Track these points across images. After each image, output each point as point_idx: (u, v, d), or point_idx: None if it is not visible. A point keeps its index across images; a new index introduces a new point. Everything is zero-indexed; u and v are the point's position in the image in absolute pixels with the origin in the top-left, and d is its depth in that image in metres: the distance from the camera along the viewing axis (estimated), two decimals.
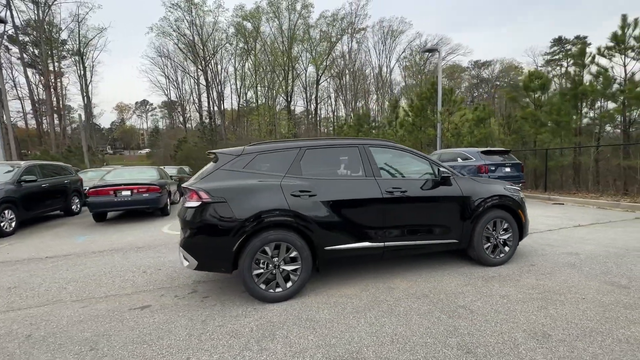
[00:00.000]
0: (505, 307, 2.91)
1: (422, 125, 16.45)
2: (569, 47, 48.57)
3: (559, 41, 48.22)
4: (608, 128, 10.67)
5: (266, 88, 48.25)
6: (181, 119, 55.15)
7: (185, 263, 3.17)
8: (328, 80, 53.11)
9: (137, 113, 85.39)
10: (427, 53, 52.75)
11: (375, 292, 3.33)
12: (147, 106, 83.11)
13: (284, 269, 3.19)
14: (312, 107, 51.83)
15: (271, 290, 3.14)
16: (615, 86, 9.79)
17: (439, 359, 2.21)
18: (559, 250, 4.55)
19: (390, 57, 53.29)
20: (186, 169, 20.47)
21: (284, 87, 47.35)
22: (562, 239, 5.11)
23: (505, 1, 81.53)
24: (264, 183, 3.22)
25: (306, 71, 50.37)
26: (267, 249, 3.12)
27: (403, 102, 17.56)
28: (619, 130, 10.57)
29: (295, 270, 3.21)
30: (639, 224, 6.22)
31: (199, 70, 48.22)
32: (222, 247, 3.05)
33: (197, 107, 51.61)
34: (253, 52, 48.42)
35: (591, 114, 10.80)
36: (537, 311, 2.81)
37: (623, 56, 9.25)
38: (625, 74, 9.31)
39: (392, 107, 19.29)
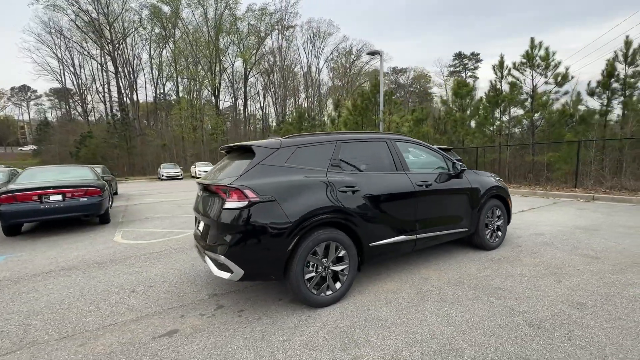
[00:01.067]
0: (531, 284, 3.28)
1: (365, 124, 17.37)
2: (466, 61, 57.37)
3: (459, 55, 56.39)
4: (518, 130, 12.98)
5: (188, 80, 44.37)
6: (80, 109, 46.72)
7: (225, 275, 2.70)
8: (256, 76, 51.71)
9: (14, 101, 69.30)
10: (352, 56, 56.02)
11: (414, 284, 3.38)
12: (29, 93, 68.16)
13: (332, 270, 2.99)
14: (241, 103, 49.80)
15: (322, 294, 2.92)
16: (523, 96, 11.97)
17: (520, 336, 2.37)
18: (526, 232, 5.34)
19: (319, 57, 54.68)
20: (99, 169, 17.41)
21: (209, 79, 44.26)
22: (521, 223, 6.02)
23: (418, 16, 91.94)
24: (310, 179, 2.95)
25: (233, 65, 48.06)
26: (317, 250, 2.88)
27: (349, 102, 18.17)
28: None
29: (342, 270, 3.04)
30: (561, 207, 7.73)
31: (105, 54, 41.55)
32: (273, 251, 2.70)
33: (102, 97, 44.51)
34: (172, 39, 43.95)
35: (504, 118, 12.95)
36: (557, 284, 3.25)
37: (532, 71, 11.41)
38: (533, 86, 11.50)
39: (335, 105, 19.86)
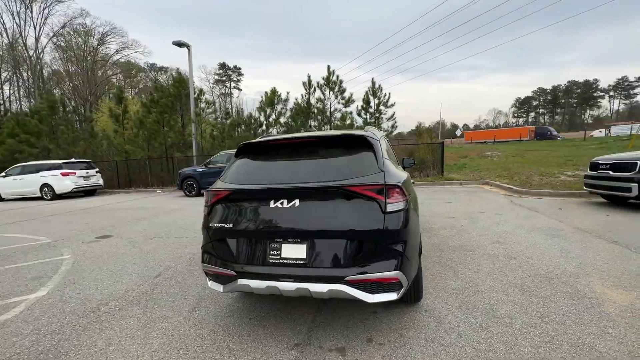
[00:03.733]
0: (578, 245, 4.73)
1: (167, 125, 14.90)
2: (230, 72, 61.45)
3: (223, 66, 59.39)
4: None
5: None
6: None
7: (389, 296, 2.00)
8: None
9: None
10: (93, 39, 44.41)
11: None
12: None
13: None
14: None
15: None
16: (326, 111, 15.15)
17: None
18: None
19: (41, 27, 38.96)
20: None
21: None
22: None
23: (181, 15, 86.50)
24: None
25: None
26: None
27: (141, 98, 14.62)
28: None
29: None
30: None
31: None
32: (417, 253, 2.37)
33: None
34: None
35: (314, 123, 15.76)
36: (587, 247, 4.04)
37: (329, 90, 14.67)
38: (330, 103, 14.86)
39: (117, 98, 15.16)
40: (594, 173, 6.57)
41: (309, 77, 14.52)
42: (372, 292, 2.01)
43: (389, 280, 2.02)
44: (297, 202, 2.12)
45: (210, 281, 2.39)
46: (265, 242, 2.18)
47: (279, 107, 15.26)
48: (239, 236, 2.23)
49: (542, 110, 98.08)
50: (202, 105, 14.65)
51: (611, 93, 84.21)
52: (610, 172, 6.15)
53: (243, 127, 15.18)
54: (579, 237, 4.44)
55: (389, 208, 2.06)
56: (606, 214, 5.76)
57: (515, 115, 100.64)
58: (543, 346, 2.10)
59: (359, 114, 15.47)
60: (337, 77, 14.46)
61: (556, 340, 2.15)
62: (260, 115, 15.80)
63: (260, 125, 15.21)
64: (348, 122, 14.69)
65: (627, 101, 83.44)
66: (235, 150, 2.71)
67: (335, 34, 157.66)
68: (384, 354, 2.09)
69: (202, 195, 11.43)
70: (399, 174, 2.40)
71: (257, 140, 2.60)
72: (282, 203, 2.15)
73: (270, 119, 15.50)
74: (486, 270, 3.44)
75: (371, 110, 15.00)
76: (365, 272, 2.00)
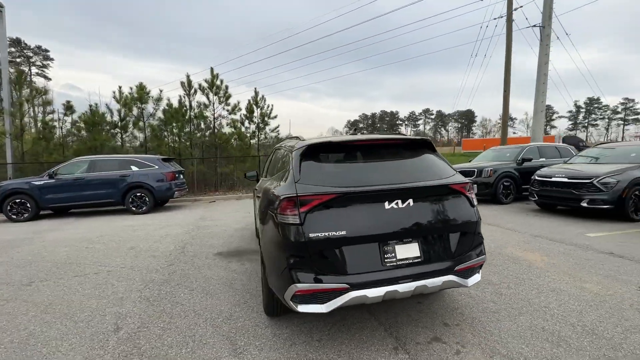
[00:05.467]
0: None
1: None
2: (30, 54, 45.55)
3: (18, 43, 43.31)
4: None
5: None
6: None
7: (475, 279, 2.36)
8: None
9: None
10: None
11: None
12: None
13: None
14: None
15: None
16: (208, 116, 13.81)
17: None
18: None
19: None
20: None
21: None
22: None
23: None
24: None
25: None
26: None
27: None
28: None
29: None
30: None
31: None
32: None
33: None
34: None
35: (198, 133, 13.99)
36: None
37: (214, 95, 13.46)
38: (213, 106, 13.68)
39: None
40: None
41: (189, 76, 12.94)
42: (467, 277, 2.30)
43: (480, 264, 2.37)
44: (410, 201, 2.16)
45: (302, 305, 2.02)
46: (379, 245, 2.09)
47: (148, 106, 12.78)
48: (349, 243, 2.03)
49: (365, 132, 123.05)
50: (26, 92, 10.41)
51: (406, 122, 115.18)
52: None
53: (101, 128, 11.75)
54: None
55: (474, 202, 2.43)
56: None
57: (349, 134, 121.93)
58: None
59: (242, 123, 15.02)
60: (222, 81, 13.57)
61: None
62: (120, 113, 12.78)
63: (123, 128, 12.25)
64: (229, 130, 13.98)
65: (415, 129, 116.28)
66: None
67: (177, 34, 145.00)
68: (468, 331, 2.40)
69: (41, 218, 8.15)
70: None
71: (327, 140, 2.40)
72: (397, 203, 2.13)
73: (141, 122, 12.78)
74: None
75: (255, 120, 14.88)
76: (469, 260, 2.27)
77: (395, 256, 2.10)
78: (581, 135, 65.75)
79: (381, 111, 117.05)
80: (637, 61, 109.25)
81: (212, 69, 13.30)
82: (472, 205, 2.40)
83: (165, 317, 2.80)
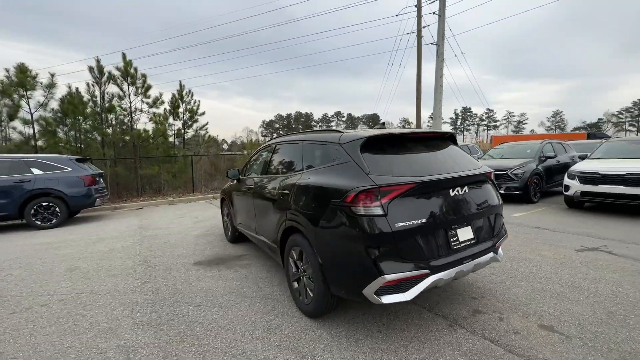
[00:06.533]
0: None
1: None
2: None
3: None
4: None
5: None
6: None
7: (502, 252, 2.74)
8: None
9: None
10: None
11: None
12: None
13: None
14: None
15: None
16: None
17: None
18: None
19: None
20: None
21: None
22: None
23: None
24: None
25: None
26: None
27: None
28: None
29: None
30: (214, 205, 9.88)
31: None
32: None
33: None
34: None
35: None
36: None
37: (128, 85, 11.44)
38: (129, 98, 11.68)
39: None
40: None
41: (99, 61, 10.70)
42: (497, 252, 2.63)
43: (505, 241, 2.74)
44: (466, 188, 2.36)
45: (385, 296, 2.01)
46: (446, 230, 2.22)
47: (37, 94, 10.11)
48: (426, 230, 2.11)
49: (281, 132, 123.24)
50: None
51: (320, 124, 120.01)
52: None
53: None
54: None
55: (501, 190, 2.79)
56: None
57: (264, 134, 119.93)
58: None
59: (165, 118, 13.35)
60: (136, 69, 11.71)
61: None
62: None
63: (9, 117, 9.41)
64: (153, 126, 12.29)
65: None
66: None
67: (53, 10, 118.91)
68: (495, 300, 2.76)
69: None
70: None
71: (388, 132, 2.42)
72: (458, 190, 2.30)
73: (25, 114, 10.01)
74: None
75: (181, 115, 13.43)
76: (501, 237, 2.62)
77: (458, 239, 2.27)
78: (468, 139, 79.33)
79: (296, 112, 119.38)
80: (493, 80, 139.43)
81: (124, 55, 11.38)
82: (497, 190, 2.77)
83: (189, 339, 2.37)
